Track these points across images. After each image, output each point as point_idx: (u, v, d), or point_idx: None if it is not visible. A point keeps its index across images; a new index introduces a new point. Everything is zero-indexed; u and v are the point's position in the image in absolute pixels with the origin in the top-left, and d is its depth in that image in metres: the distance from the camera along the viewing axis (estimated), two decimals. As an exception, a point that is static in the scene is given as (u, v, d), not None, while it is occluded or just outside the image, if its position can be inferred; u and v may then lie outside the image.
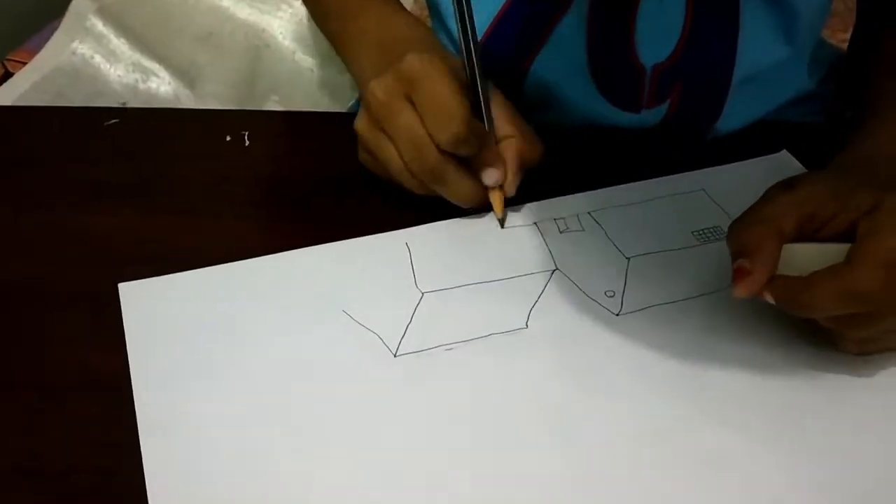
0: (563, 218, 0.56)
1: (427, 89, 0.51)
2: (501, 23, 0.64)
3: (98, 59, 0.83)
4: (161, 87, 0.82)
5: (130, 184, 0.60)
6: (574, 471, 0.42)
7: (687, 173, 0.60)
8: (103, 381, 0.46)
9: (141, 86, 0.82)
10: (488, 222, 0.56)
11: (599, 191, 0.58)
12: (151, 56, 0.84)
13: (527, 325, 0.49)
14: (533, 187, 0.57)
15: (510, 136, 0.55)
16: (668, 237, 0.55)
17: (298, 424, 0.44)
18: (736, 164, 0.61)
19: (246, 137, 0.63)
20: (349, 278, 0.52)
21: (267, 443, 0.43)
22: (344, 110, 0.80)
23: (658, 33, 0.62)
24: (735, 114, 0.65)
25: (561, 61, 0.64)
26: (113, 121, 0.65)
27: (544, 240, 0.54)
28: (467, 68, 0.54)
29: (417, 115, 0.51)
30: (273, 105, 0.81)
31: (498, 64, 0.63)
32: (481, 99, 0.54)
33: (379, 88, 0.52)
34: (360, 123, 0.54)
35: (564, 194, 0.58)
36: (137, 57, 0.83)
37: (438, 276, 0.52)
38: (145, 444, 0.43)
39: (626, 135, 0.65)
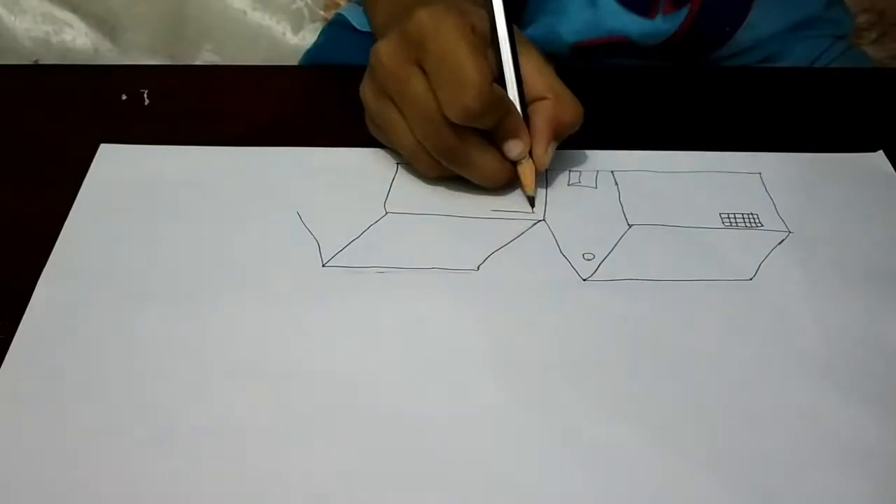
0: (580, 171, 0.49)
1: (437, 52, 0.43)
2: None
3: (0, 10, 0.74)
4: (77, 40, 0.73)
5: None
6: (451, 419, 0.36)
7: (750, 153, 0.51)
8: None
9: (54, 39, 0.73)
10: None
11: (641, 152, 0.51)
12: (62, 4, 0.74)
13: (477, 269, 0.43)
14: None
15: (542, 98, 0.47)
16: (689, 213, 0.47)
17: (201, 315, 0.41)
18: (814, 154, 0.51)
19: (146, 96, 0.54)
20: (322, 182, 0.48)
21: (160, 314, 0.41)
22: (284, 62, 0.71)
23: None
24: (759, 21, 0.59)
25: None
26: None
27: (546, 188, 0.48)
28: (491, 20, 0.46)
29: (428, 83, 0.44)
30: (207, 55, 0.72)
31: None
32: (503, 58, 0.46)
33: (384, 51, 0.44)
34: (366, 89, 0.47)
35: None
36: (46, 6, 0.74)
37: (413, 199, 0.47)
38: (38, 292, 0.42)
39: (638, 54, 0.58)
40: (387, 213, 0.46)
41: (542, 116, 0.47)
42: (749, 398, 0.38)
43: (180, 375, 0.38)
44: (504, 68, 0.47)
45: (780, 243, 0.45)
